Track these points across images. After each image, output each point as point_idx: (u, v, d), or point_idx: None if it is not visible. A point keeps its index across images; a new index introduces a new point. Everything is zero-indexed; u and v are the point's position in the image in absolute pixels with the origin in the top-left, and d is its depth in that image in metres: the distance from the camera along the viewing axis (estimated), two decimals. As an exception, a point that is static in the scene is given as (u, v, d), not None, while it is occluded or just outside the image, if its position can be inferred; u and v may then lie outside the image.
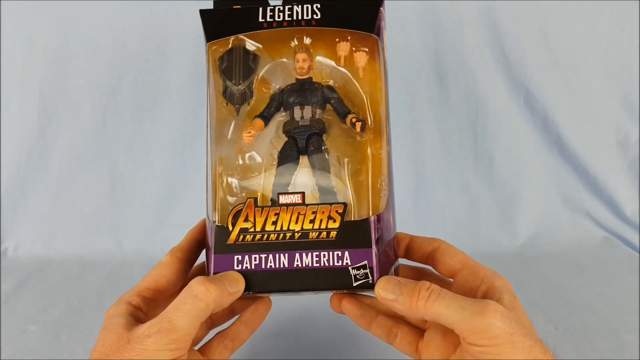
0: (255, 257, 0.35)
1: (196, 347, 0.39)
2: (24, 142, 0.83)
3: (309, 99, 0.40)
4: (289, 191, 0.38)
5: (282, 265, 0.35)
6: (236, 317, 0.42)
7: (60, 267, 0.76)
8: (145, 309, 0.35)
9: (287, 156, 0.39)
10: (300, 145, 0.39)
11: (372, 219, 0.36)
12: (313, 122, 0.40)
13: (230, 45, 0.41)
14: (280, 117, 0.41)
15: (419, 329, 0.40)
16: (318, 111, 0.40)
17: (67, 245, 0.81)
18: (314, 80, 0.41)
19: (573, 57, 0.84)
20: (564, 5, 0.82)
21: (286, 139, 0.40)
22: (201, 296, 0.31)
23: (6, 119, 0.83)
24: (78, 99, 0.82)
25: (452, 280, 0.39)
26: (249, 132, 0.39)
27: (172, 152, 0.84)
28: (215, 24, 0.41)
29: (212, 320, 0.42)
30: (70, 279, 0.72)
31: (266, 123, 0.40)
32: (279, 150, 0.40)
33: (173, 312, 0.31)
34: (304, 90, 0.40)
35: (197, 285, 0.32)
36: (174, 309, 0.31)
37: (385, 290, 0.33)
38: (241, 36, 0.41)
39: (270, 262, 0.35)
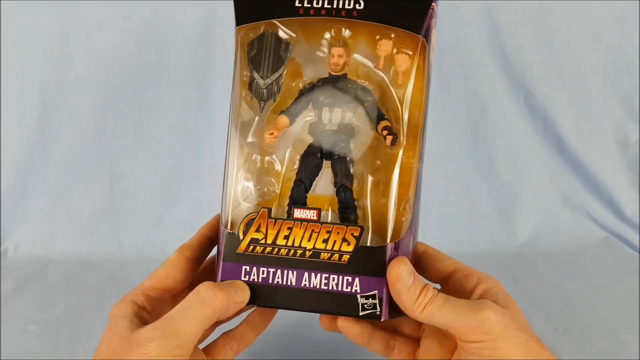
0: (263, 270, 0.34)
1: (201, 346, 0.39)
2: (24, 142, 0.83)
3: (340, 100, 0.37)
4: (308, 197, 0.37)
5: (289, 283, 0.34)
6: (242, 319, 0.42)
7: (60, 267, 0.76)
8: (150, 308, 0.35)
9: (310, 161, 0.37)
10: (325, 150, 0.37)
11: (389, 246, 0.34)
12: (341, 128, 0.37)
13: (261, 31, 0.38)
14: (308, 117, 0.38)
15: (414, 339, 0.40)
16: (348, 115, 0.37)
17: (67, 245, 0.81)
18: (348, 77, 0.38)
19: (573, 57, 0.84)
20: (564, 5, 0.82)
21: (311, 140, 0.38)
22: (208, 302, 0.31)
23: (6, 119, 0.82)
24: (78, 99, 0.82)
25: (439, 286, 0.39)
26: (272, 133, 0.37)
27: (172, 152, 0.84)
28: (247, 7, 0.38)
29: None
30: (70, 279, 0.72)
31: (292, 121, 0.38)
32: (302, 154, 0.38)
33: (178, 317, 0.30)
34: (336, 88, 0.37)
35: (204, 290, 0.31)
36: (179, 313, 0.31)
37: (404, 276, 0.32)
38: (274, 21, 0.38)
39: (278, 278, 0.34)
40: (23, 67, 0.81)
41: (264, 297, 0.34)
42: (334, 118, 0.38)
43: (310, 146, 0.38)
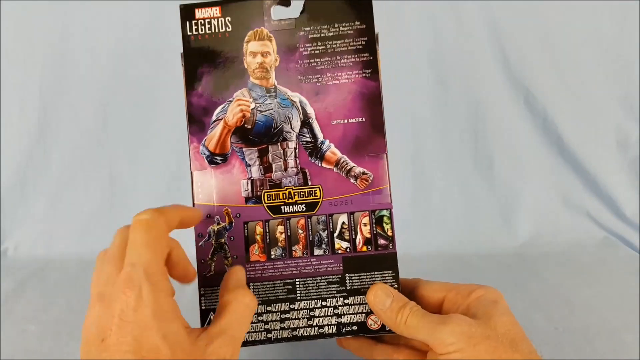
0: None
1: None
2: (24, 142, 0.83)
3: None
4: None
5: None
6: None
7: (60, 267, 0.76)
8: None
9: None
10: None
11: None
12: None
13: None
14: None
15: (421, 352, 0.39)
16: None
17: (67, 245, 0.81)
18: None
19: (573, 57, 0.84)
20: (564, 5, 0.82)
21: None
22: (253, 308, 0.33)
23: (6, 119, 0.83)
24: (78, 99, 0.82)
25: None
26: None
27: (172, 152, 0.84)
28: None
29: None
30: (70, 279, 0.72)
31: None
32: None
33: (237, 328, 0.31)
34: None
35: (252, 300, 0.33)
36: (236, 323, 0.31)
37: (377, 299, 0.36)
38: None
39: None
40: (23, 67, 0.82)
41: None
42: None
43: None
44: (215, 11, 0.39)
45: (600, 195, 0.86)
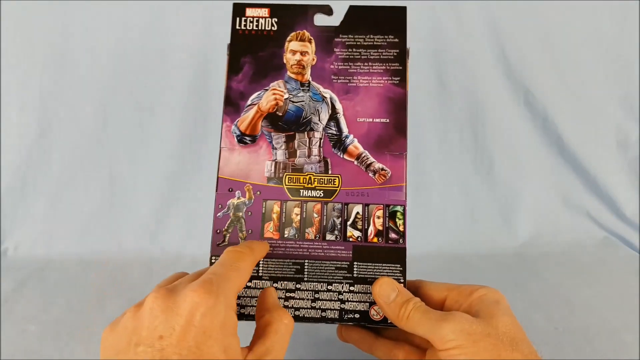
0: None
1: None
2: (24, 142, 0.83)
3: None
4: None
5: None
6: None
7: (60, 267, 0.76)
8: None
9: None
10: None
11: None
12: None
13: None
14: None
15: (421, 349, 0.39)
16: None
17: (67, 245, 0.81)
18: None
19: (573, 57, 0.84)
20: (564, 5, 0.82)
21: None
22: (291, 328, 0.34)
23: (6, 119, 0.82)
24: (78, 99, 0.82)
25: None
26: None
27: (172, 152, 0.84)
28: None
29: None
30: (70, 279, 0.72)
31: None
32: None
33: (279, 348, 0.32)
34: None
35: (290, 321, 0.34)
36: (279, 344, 0.32)
37: (382, 291, 0.36)
38: None
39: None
40: (23, 67, 0.82)
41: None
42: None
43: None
44: (264, 12, 0.44)
45: (600, 195, 0.86)
